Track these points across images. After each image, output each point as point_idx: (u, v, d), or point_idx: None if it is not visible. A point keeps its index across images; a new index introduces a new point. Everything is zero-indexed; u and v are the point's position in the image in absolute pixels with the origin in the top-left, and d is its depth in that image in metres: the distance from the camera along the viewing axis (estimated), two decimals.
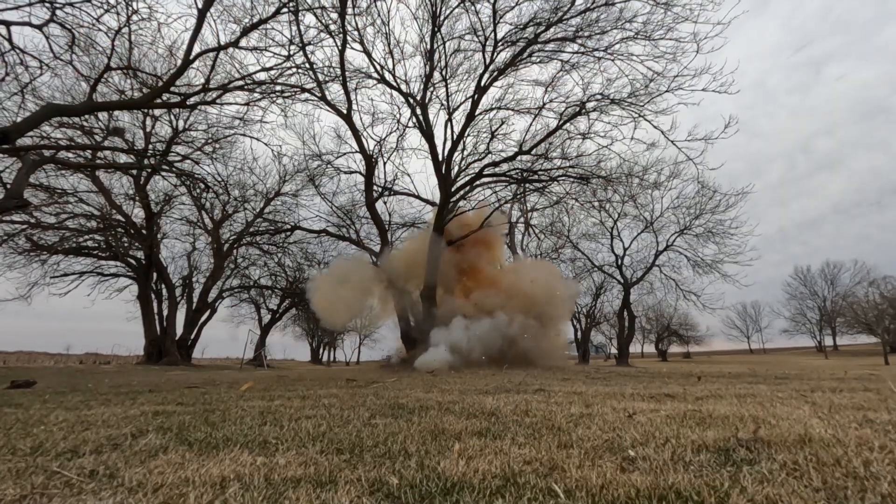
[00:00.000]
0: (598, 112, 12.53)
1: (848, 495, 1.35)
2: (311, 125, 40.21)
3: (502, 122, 13.44)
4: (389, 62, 14.93)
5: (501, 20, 12.09)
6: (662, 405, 3.47)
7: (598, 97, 12.28)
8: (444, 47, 13.03)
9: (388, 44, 13.01)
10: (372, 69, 13.52)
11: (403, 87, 13.86)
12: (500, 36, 12.41)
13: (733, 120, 11.37)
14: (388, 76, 13.63)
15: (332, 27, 11.80)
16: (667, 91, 11.49)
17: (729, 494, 1.37)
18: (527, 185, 14.42)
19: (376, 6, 12.51)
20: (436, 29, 12.61)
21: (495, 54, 12.83)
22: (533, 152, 13.20)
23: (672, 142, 12.01)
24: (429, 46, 12.96)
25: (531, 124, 13.64)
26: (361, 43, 12.78)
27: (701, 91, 11.10)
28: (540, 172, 13.35)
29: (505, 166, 13.70)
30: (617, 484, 1.47)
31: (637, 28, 11.14)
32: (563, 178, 13.48)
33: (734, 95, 13.17)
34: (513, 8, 11.91)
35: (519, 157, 13.35)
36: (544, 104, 13.14)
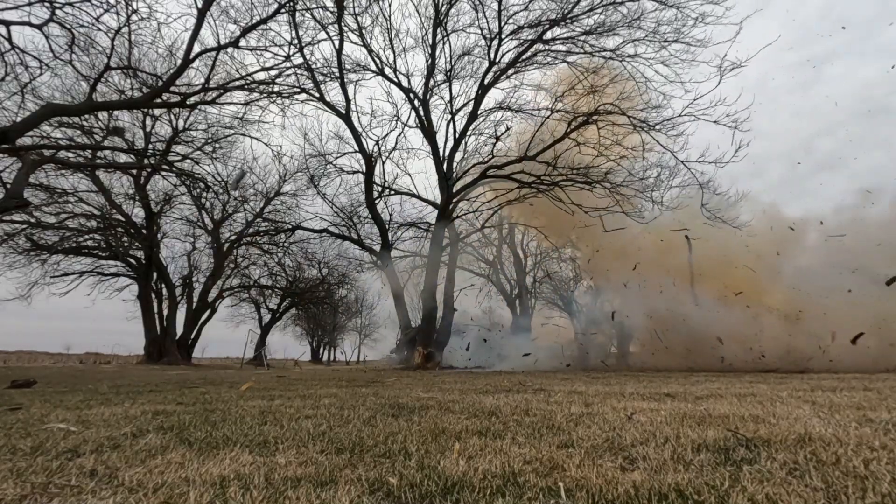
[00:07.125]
0: (608, 126, 12.40)
1: (848, 494, 1.35)
2: (320, 126, 40.00)
3: (507, 129, 13.33)
4: (390, 55, 14.83)
5: (510, 20, 12.02)
6: (662, 405, 3.48)
7: (610, 106, 12.14)
8: (448, 41, 12.94)
9: (389, 37, 12.94)
10: (371, 63, 13.49)
11: (404, 81, 13.81)
12: (505, 33, 12.33)
13: (744, 143, 11.36)
14: (387, 71, 13.59)
15: (330, 29, 11.78)
16: (680, 115, 11.49)
17: (729, 493, 1.37)
18: (530, 187, 14.32)
19: (377, 2, 12.47)
20: (439, 20, 12.52)
21: (499, 55, 12.74)
22: (538, 158, 13.03)
23: (683, 163, 12.08)
24: (431, 40, 12.90)
25: (537, 130, 13.45)
26: (361, 36, 12.73)
27: (713, 123, 11.25)
28: (543, 177, 13.26)
29: (508, 169, 13.63)
30: (617, 483, 1.47)
31: (649, 27, 11.12)
32: (567, 182, 13.33)
33: (737, 97, 13.19)
34: (521, 11, 11.85)
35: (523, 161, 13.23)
36: (552, 111, 12.98)
